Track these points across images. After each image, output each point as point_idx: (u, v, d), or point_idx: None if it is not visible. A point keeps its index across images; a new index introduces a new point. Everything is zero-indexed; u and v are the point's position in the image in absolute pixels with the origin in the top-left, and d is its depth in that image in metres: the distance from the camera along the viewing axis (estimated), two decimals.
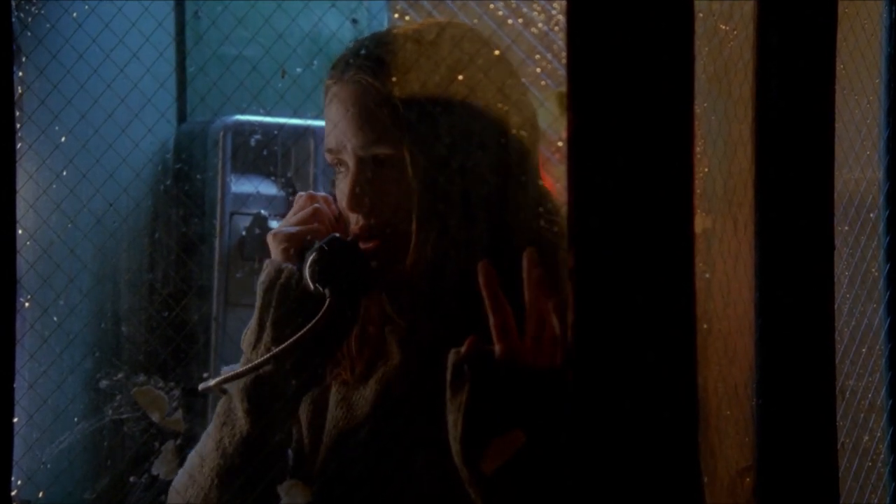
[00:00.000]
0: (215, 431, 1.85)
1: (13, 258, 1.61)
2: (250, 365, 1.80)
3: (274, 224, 2.52)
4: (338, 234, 1.82)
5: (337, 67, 1.83)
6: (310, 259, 1.80)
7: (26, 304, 2.20)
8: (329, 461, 1.86)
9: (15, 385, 1.59)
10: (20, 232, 2.10)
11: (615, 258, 1.44)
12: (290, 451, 1.89)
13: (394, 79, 1.78)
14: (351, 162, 1.81)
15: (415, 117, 1.77)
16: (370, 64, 1.80)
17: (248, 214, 2.58)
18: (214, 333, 2.50)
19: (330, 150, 1.83)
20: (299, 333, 1.78)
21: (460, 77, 1.78)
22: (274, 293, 1.81)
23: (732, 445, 1.82)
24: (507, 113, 1.80)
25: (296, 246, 1.82)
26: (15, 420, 1.60)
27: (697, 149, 1.55)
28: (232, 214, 2.57)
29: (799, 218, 1.64)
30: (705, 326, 1.82)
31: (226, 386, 1.84)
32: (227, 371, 1.84)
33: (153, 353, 2.34)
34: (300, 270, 1.81)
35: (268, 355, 1.79)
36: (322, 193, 1.90)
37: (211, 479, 1.83)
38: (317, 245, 1.80)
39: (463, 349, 1.64)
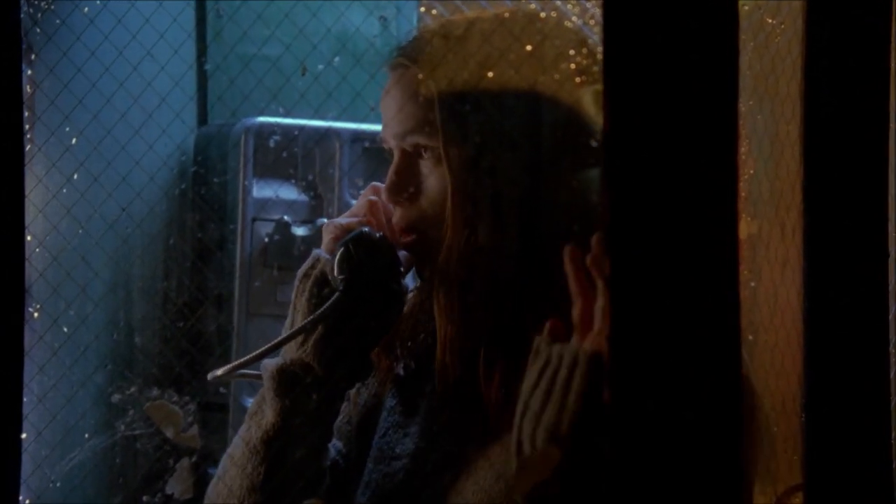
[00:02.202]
0: (244, 424, 1.86)
1: (21, 266, 1.61)
2: (254, 353, 1.83)
3: (298, 230, 2.53)
4: (367, 229, 1.84)
5: (391, 54, 1.87)
6: (338, 252, 1.82)
7: (35, 315, 2.20)
8: (374, 471, 1.87)
9: (23, 399, 1.59)
10: (29, 238, 2.11)
11: (655, 266, 1.43)
12: (331, 447, 1.89)
13: (436, 68, 1.79)
14: (395, 151, 1.84)
15: (453, 109, 1.78)
16: (414, 51, 1.83)
17: (271, 220, 2.58)
18: (235, 345, 2.50)
19: (382, 138, 1.87)
20: (302, 324, 1.81)
21: (504, 69, 1.79)
22: (308, 283, 1.84)
23: (780, 463, 1.80)
24: (558, 105, 1.79)
25: (342, 237, 1.85)
26: (23, 436, 1.60)
27: (742, 149, 1.54)
28: (254, 220, 2.57)
29: (851, 223, 1.62)
30: (751, 338, 1.81)
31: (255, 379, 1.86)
32: (266, 365, 1.85)
33: (167, 366, 2.34)
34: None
35: (273, 342, 1.82)
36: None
37: (236, 472, 1.84)
38: (345, 238, 1.83)
39: (547, 331, 1.60)
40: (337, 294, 1.81)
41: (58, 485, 2.27)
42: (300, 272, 1.87)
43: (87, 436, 2.31)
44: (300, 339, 1.83)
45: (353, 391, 1.93)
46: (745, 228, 1.61)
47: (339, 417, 1.91)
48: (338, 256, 1.82)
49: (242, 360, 1.85)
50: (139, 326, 2.46)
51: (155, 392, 2.06)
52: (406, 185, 1.83)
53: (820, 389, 1.61)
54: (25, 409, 1.59)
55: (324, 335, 1.81)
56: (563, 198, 1.79)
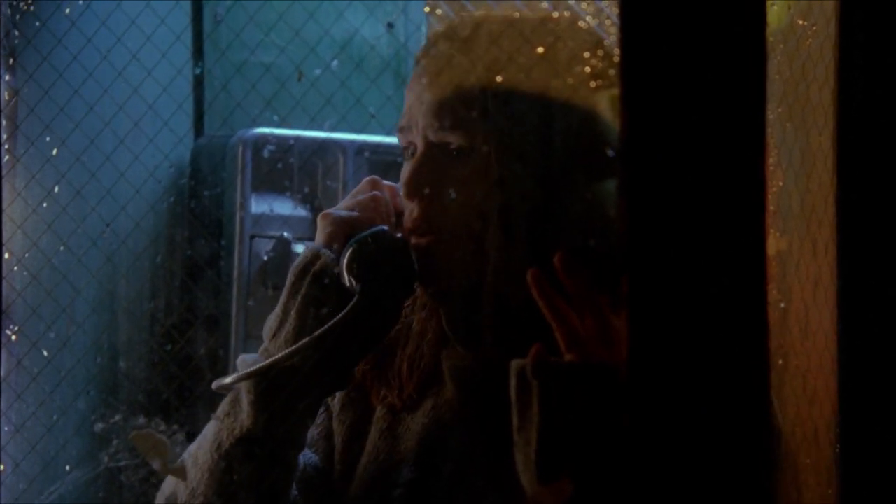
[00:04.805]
0: (215, 423, 1.82)
1: None
2: (267, 362, 1.78)
3: (299, 248, 2.52)
4: (386, 228, 1.80)
5: (429, 41, 1.84)
6: (349, 250, 1.78)
7: (13, 337, 2.20)
8: (362, 496, 1.85)
9: (0, 429, 1.59)
10: (6, 256, 2.11)
11: (676, 285, 1.42)
12: (301, 459, 1.86)
13: (489, 62, 1.76)
14: (419, 144, 1.79)
15: (508, 108, 1.75)
16: (463, 41, 1.78)
17: (269, 237, 2.57)
18: (231, 369, 2.49)
19: (401, 129, 1.82)
20: (318, 332, 1.76)
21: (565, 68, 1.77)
22: (305, 280, 1.79)
23: (813, 497, 1.79)
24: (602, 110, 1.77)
25: (343, 232, 1.80)
26: (0, 468, 1.59)
27: (770, 160, 1.53)
28: (252, 237, 2.57)
29: (886, 239, 1.61)
30: (780, 362, 1.80)
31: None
32: (244, 360, 1.82)
33: (155, 393, 2.34)
34: (339, 260, 1.79)
35: (286, 352, 1.77)
36: (389, 183, 1.87)
37: (202, 475, 1.80)
38: (360, 235, 1.78)
39: (529, 359, 1.59)
40: (355, 299, 1.76)
41: None
42: (296, 268, 1.81)
43: (68, 468, 2.31)
44: (289, 341, 1.78)
45: (337, 408, 1.91)
46: (773, 245, 1.60)
47: (317, 430, 1.89)
48: (349, 255, 1.78)
49: (251, 370, 1.80)
50: (124, 350, 2.46)
51: (141, 420, 2.05)
52: (429, 180, 1.78)
53: (855, 418, 1.60)
54: (2, 439, 1.59)
55: (319, 342, 1.77)
56: (575, 210, 1.78)
